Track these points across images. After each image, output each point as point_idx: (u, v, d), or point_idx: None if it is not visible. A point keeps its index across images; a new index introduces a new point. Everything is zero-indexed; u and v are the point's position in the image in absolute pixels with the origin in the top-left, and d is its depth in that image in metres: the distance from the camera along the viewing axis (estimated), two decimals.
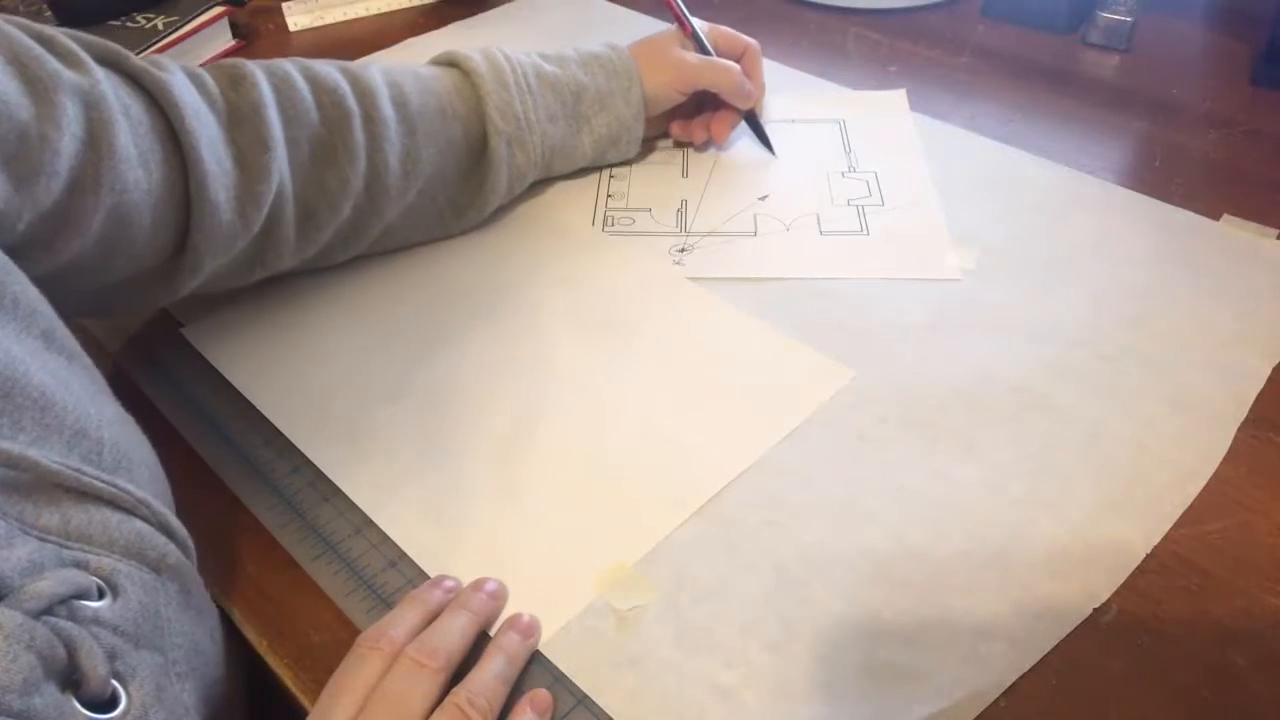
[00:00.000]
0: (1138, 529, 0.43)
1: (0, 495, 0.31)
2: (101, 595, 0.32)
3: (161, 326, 0.57)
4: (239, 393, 0.52)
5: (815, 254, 0.60)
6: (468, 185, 0.59)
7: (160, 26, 0.80)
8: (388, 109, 0.53)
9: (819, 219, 0.63)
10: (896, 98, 0.75)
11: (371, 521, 0.45)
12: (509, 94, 0.58)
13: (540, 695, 0.38)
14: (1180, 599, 0.41)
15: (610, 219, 0.63)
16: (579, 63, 0.62)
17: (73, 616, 0.30)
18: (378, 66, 0.56)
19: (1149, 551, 0.43)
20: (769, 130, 0.69)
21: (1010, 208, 0.63)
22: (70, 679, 0.29)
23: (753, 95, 0.67)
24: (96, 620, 0.31)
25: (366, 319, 0.56)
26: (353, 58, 0.81)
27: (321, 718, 0.35)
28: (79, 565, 0.32)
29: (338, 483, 0.47)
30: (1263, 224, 0.60)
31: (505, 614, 0.41)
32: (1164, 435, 0.47)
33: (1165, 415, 0.48)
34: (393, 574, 0.43)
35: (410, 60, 0.79)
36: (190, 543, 0.38)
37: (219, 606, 0.43)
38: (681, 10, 0.66)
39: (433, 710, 0.36)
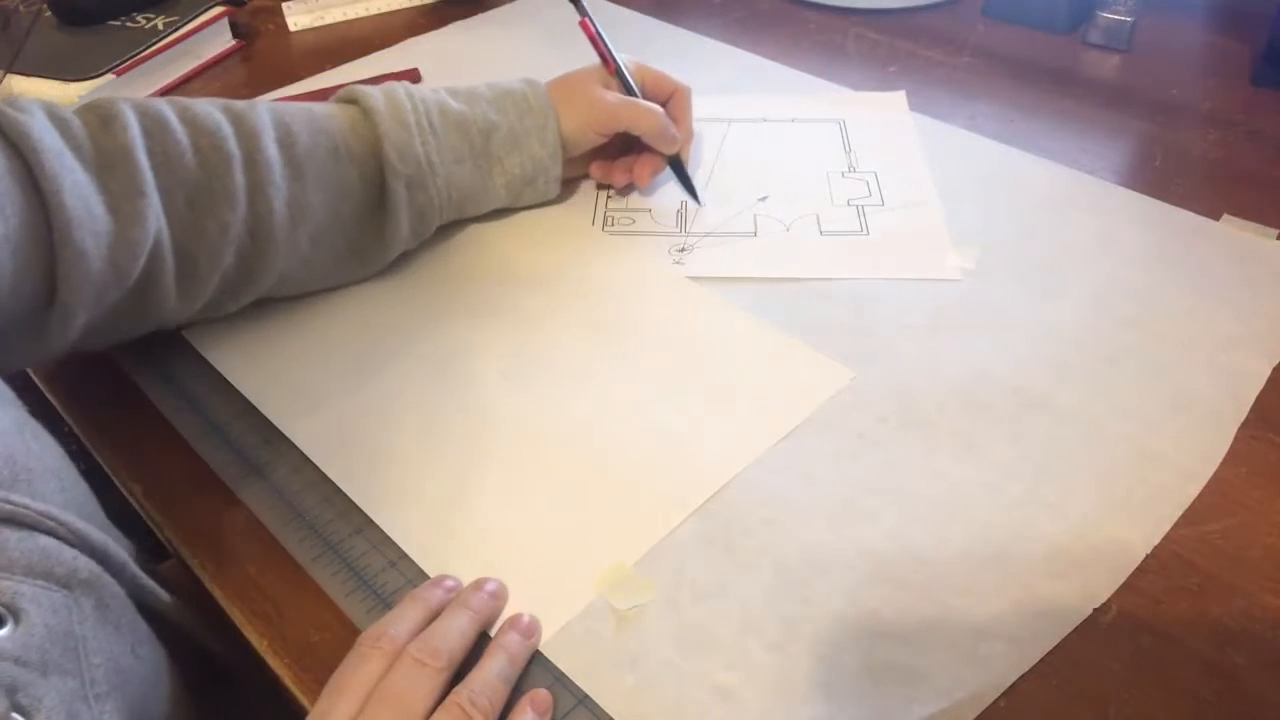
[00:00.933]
0: (1138, 529, 0.43)
1: None
2: (1, 623, 0.31)
3: None
4: (239, 393, 0.52)
5: (815, 254, 0.60)
6: (367, 230, 0.55)
7: (160, 26, 0.80)
8: (272, 151, 0.50)
9: (819, 219, 0.63)
10: (896, 98, 0.75)
11: (371, 521, 0.45)
12: (408, 134, 0.54)
13: (540, 695, 0.38)
14: (1180, 599, 0.41)
15: (610, 219, 0.63)
16: (490, 100, 0.58)
17: None
18: (267, 106, 0.52)
19: (1149, 551, 0.43)
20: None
21: (1010, 208, 0.63)
22: None
23: (677, 141, 0.63)
24: None
25: (367, 319, 0.56)
26: (353, 58, 0.82)
27: (322, 717, 0.35)
28: None
29: (338, 483, 0.47)
30: (1263, 224, 0.60)
31: (505, 614, 0.41)
32: (1164, 435, 0.47)
33: (1165, 415, 0.48)
34: (393, 574, 0.43)
35: (409, 61, 0.80)
36: (116, 551, 0.37)
37: (221, 607, 0.43)
38: (605, 46, 0.63)
39: (434, 709, 0.36)
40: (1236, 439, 0.47)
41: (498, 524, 0.45)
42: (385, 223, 0.55)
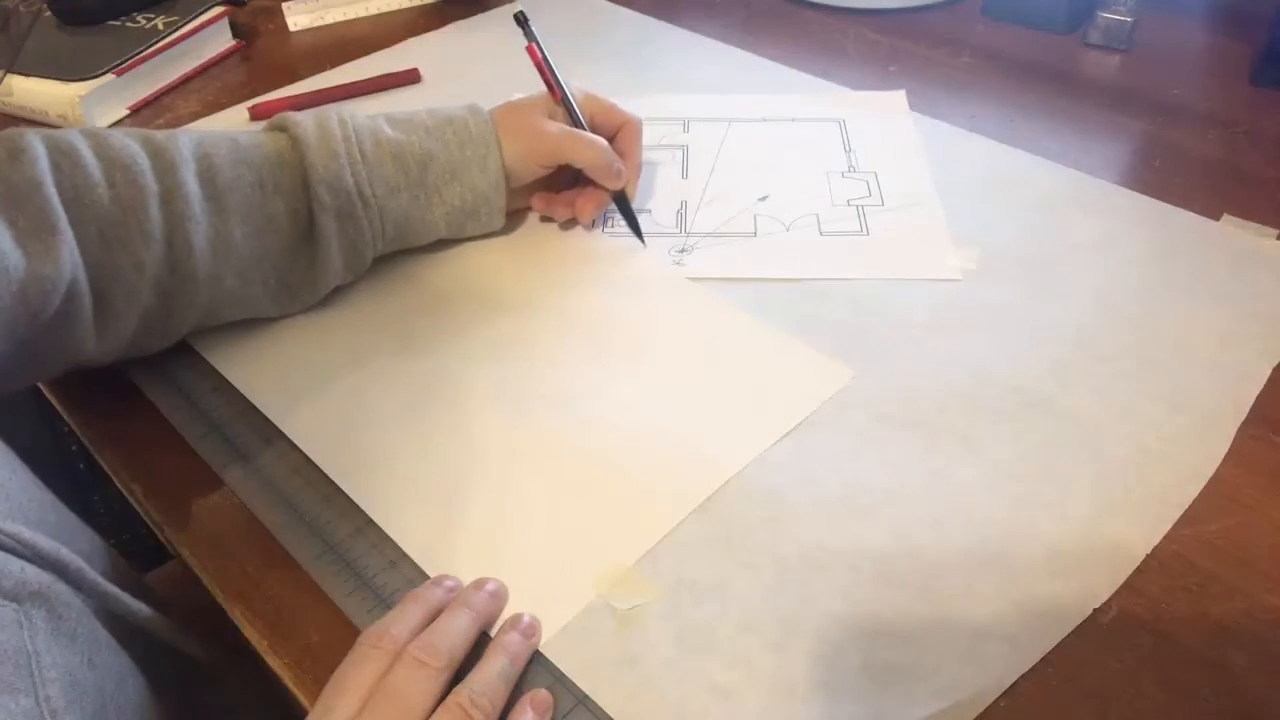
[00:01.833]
0: (1138, 529, 0.43)
1: None
2: None
3: None
4: (239, 393, 0.52)
5: (815, 254, 0.60)
6: (297, 263, 0.53)
7: (160, 26, 0.80)
8: (192, 185, 0.48)
9: (819, 219, 0.63)
10: (896, 98, 0.75)
11: (371, 521, 0.45)
12: (338, 165, 0.52)
13: (540, 695, 0.38)
14: (1180, 599, 0.41)
15: (610, 219, 0.63)
16: (429, 127, 0.56)
17: None
18: (190, 137, 0.50)
19: (1149, 551, 0.43)
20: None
21: (1010, 208, 0.63)
22: None
23: (622, 176, 0.59)
24: None
25: (367, 320, 0.56)
26: (353, 58, 0.82)
27: (323, 716, 0.35)
28: None
29: (338, 482, 0.47)
30: (1263, 224, 0.60)
31: (505, 614, 0.41)
32: (1164, 435, 0.47)
33: (1165, 415, 0.48)
34: (393, 574, 0.43)
35: (409, 61, 0.80)
36: (71, 559, 0.36)
37: (222, 607, 0.43)
38: (552, 72, 0.60)
39: (434, 709, 0.36)
40: (1236, 439, 0.47)
41: (498, 524, 0.45)
42: (315, 256, 0.53)
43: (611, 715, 0.38)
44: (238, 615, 0.42)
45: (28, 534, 0.35)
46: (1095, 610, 0.40)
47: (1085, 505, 0.44)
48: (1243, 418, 0.48)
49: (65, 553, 0.37)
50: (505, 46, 0.84)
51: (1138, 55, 0.80)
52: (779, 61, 0.80)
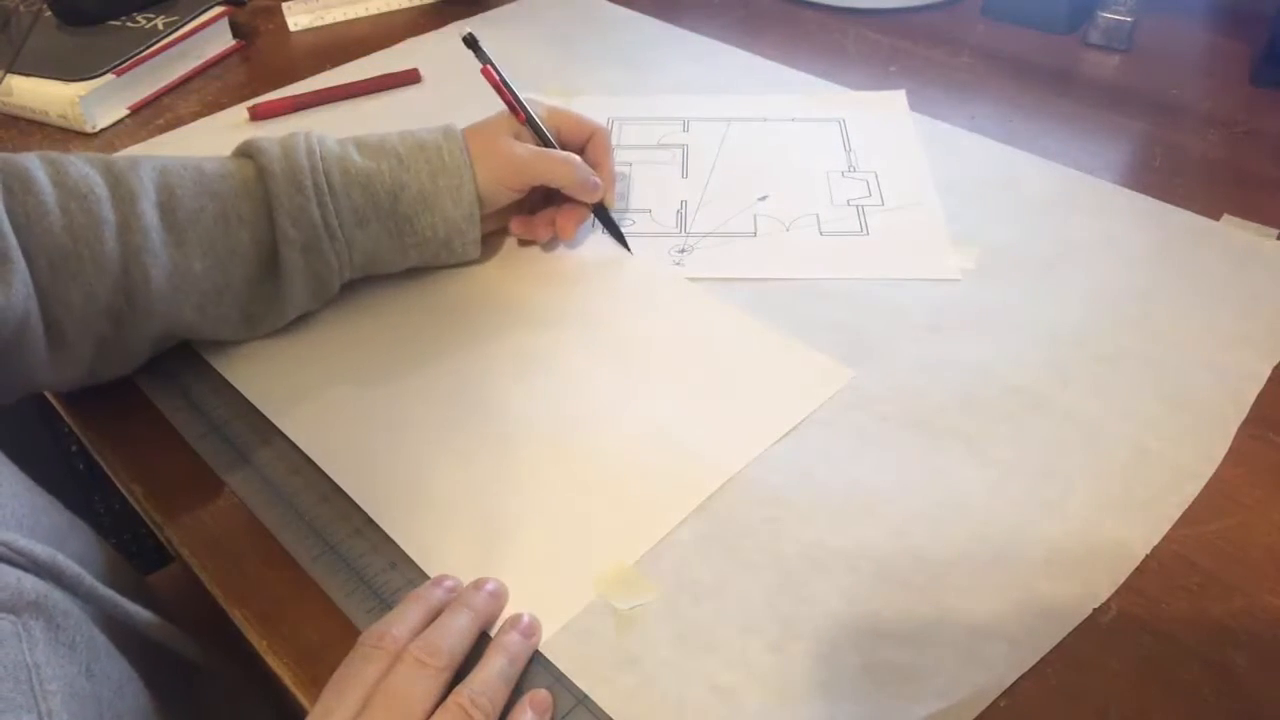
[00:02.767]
0: (1138, 529, 0.43)
1: None
2: None
3: None
4: (239, 393, 0.52)
5: (815, 254, 0.60)
6: (260, 293, 0.52)
7: (160, 26, 0.80)
8: (151, 216, 0.47)
9: (819, 219, 0.63)
10: (896, 98, 0.75)
11: (371, 522, 0.45)
12: (304, 197, 0.50)
13: (540, 695, 0.38)
14: (1180, 599, 0.41)
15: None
16: (401, 155, 0.53)
17: None
18: (155, 164, 0.49)
19: (1149, 551, 0.43)
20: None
21: (1010, 208, 0.63)
22: None
23: (599, 188, 0.58)
24: None
25: (367, 319, 0.56)
26: (353, 58, 0.82)
27: (324, 716, 0.35)
28: None
29: (338, 482, 0.47)
30: (1263, 224, 0.60)
31: (506, 614, 0.41)
32: (1164, 435, 0.47)
33: (1165, 415, 0.48)
34: (393, 575, 0.43)
35: (409, 61, 0.80)
36: (68, 565, 0.36)
37: (222, 607, 0.43)
38: (512, 94, 0.57)
39: (435, 709, 0.36)
40: (1236, 439, 0.47)
41: (498, 524, 0.45)
42: (279, 288, 0.51)
43: (611, 715, 0.38)
44: (238, 615, 0.42)
45: (22, 541, 0.34)
46: (1095, 610, 0.40)
47: (1085, 505, 0.44)
48: (1243, 418, 0.48)
49: (61, 559, 0.36)
50: (505, 47, 0.84)
51: (1138, 55, 0.80)
52: (779, 61, 0.80)
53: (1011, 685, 0.38)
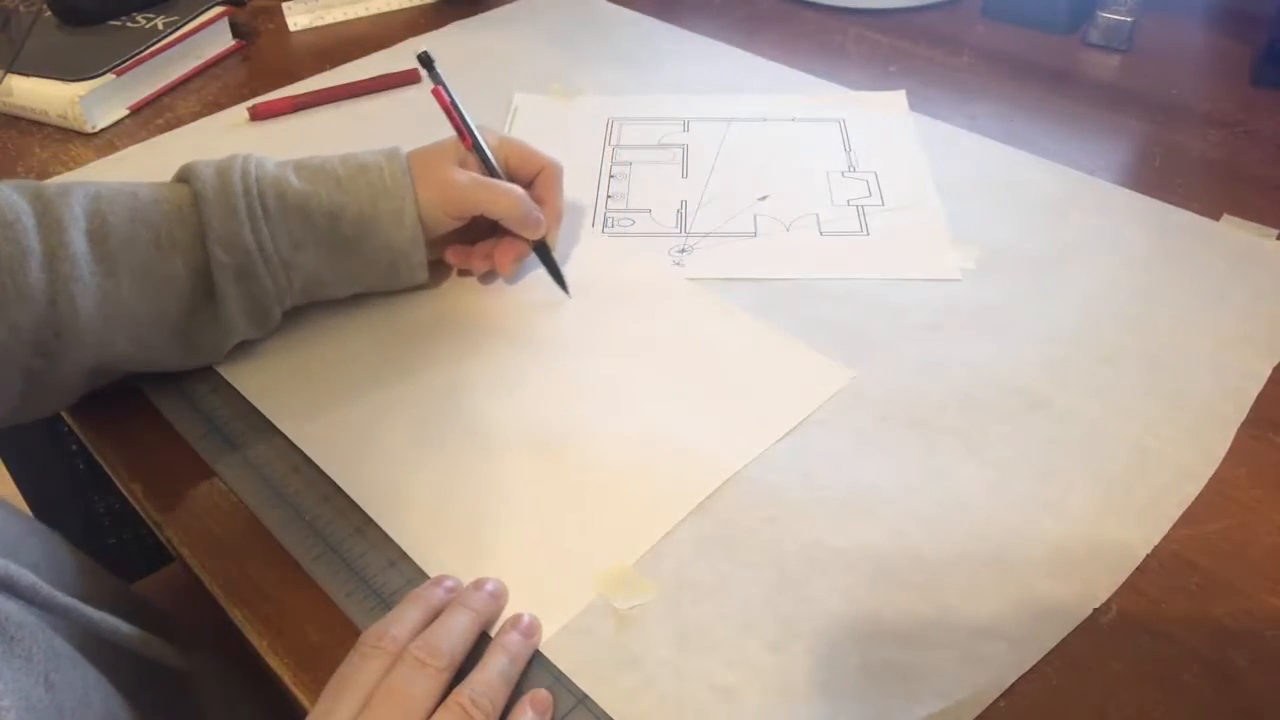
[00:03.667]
0: (1138, 529, 0.43)
1: None
2: None
3: None
4: (239, 393, 0.52)
5: (815, 254, 0.60)
6: (197, 322, 0.50)
7: (160, 26, 0.80)
8: (79, 245, 0.45)
9: (819, 219, 0.63)
10: (896, 98, 0.75)
11: (371, 521, 0.45)
12: (237, 222, 0.48)
13: (540, 695, 0.38)
14: (1180, 599, 0.41)
15: (610, 219, 0.63)
16: (341, 177, 0.52)
17: None
18: (88, 191, 0.48)
19: (1149, 551, 0.43)
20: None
21: (1010, 208, 0.63)
22: None
23: (541, 225, 0.55)
24: None
25: (366, 319, 0.56)
26: (353, 58, 0.82)
27: (324, 716, 0.36)
28: None
29: (338, 482, 0.47)
30: (1263, 224, 0.60)
31: (506, 614, 0.41)
32: (1164, 435, 0.47)
33: (1165, 415, 0.48)
34: (393, 574, 0.43)
35: (409, 61, 0.79)
36: (20, 574, 0.35)
37: (221, 607, 0.43)
38: (462, 117, 0.55)
39: (435, 709, 0.36)
40: (1236, 439, 0.47)
41: (498, 524, 0.45)
42: (217, 315, 0.50)
43: (611, 715, 0.38)
44: (238, 615, 0.42)
45: None
46: (1095, 610, 0.40)
47: (1085, 505, 0.44)
48: (1243, 418, 0.48)
49: (14, 568, 0.35)
50: (505, 47, 0.84)
51: (1138, 55, 0.80)
52: (779, 61, 0.80)
53: (1011, 685, 0.38)
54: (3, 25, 0.66)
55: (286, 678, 0.40)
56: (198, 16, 0.82)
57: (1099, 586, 0.41)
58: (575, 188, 0.66)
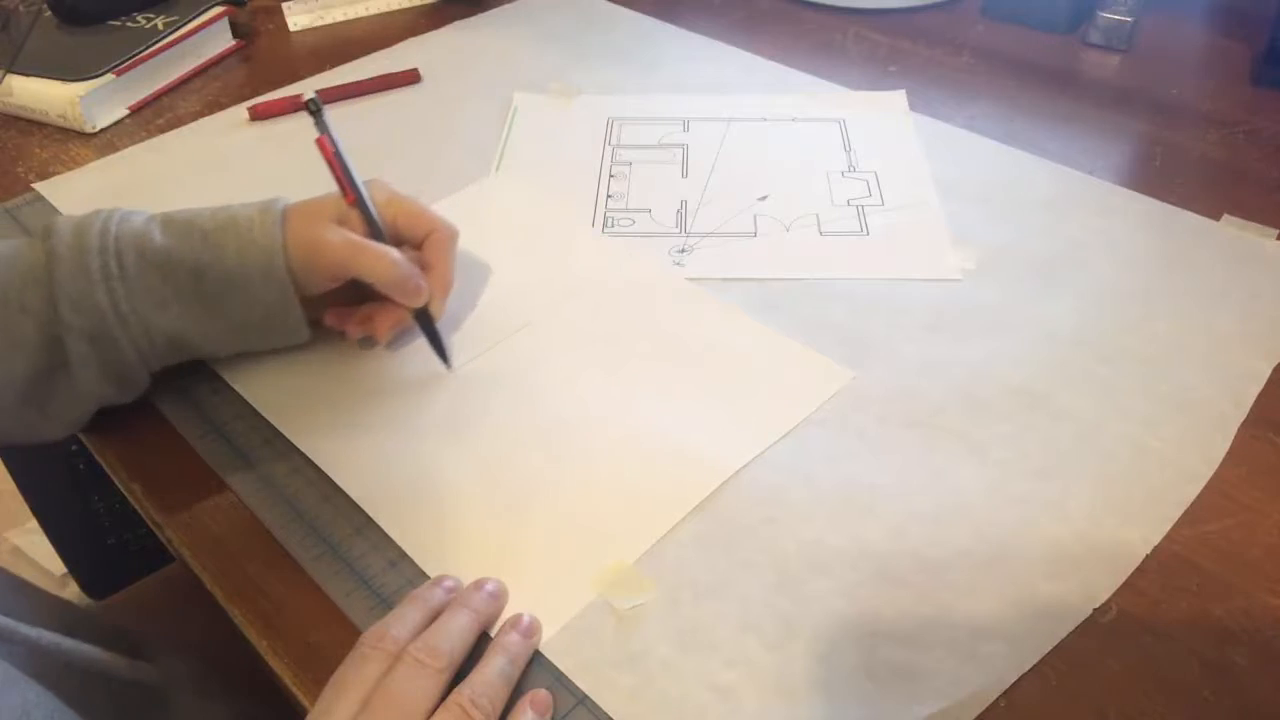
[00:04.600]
0: (1138, 529, 0.43)
1: None
2: None
3: None
4: (239, 393, 0.52)
5: (815, 254, 0.60)
6: (50, 387, 0.47)
7: (160, 26, 0.80)
8: None
9: (819, 219, 0.63)
10: (896, 98, 0.75)
11: (372, 521, 0.45)
12: (88, 281, 0.46)
13: (540, 695, 0.38)
14: (1180, 599, 0.41)
15: (610, 219, 0.63)
16: (207, 234, 0.48)
17: None
18: None
19: (1149, 551, 0.43)
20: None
21: (1010, 208, 0.63)
22: None
23: (422, 292, 0.51)
24: None
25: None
26: (353, 58, 0.82)
27: (324, 716, 0.36)
28: None
29: (338, 482, 0.47)
30: (1263, 224, 0.60)
31: (506, 614, 0.41)
32: (1164, 435, 0.47)
33: (1165, 415, 0.48)
34: (393, 574, 0.43)
35: (409, 61, 0.80)
36: None
37: (221, 607, 0.43)
38: (346, 172, 0.51)
39: (435, 709, 0.36)
40: (1236, 439, 0.47)
41: (498, 524, 0.45)
42: (70, 380, 0.47)
43: (611, 715, 0.38)
44: (238, 615, 0.42)
45: None
46: (1095, 610, 0.40)
47: (1085, 505, 0.44)
48: (1243, 418, 0.48)
49: None
50: (505, 46, 0.85)
51: (1138, 55, 0.80)
52: (779, 61, 0.80)
53: (1011, 685, 0.38)
54: (3, 25, 0.66)
55: (286, 678, 0.40)
56: (198, 16, 0.82)
57: (1099, 586, 0.41)
58: (575, 188, 0.66)
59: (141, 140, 0.73)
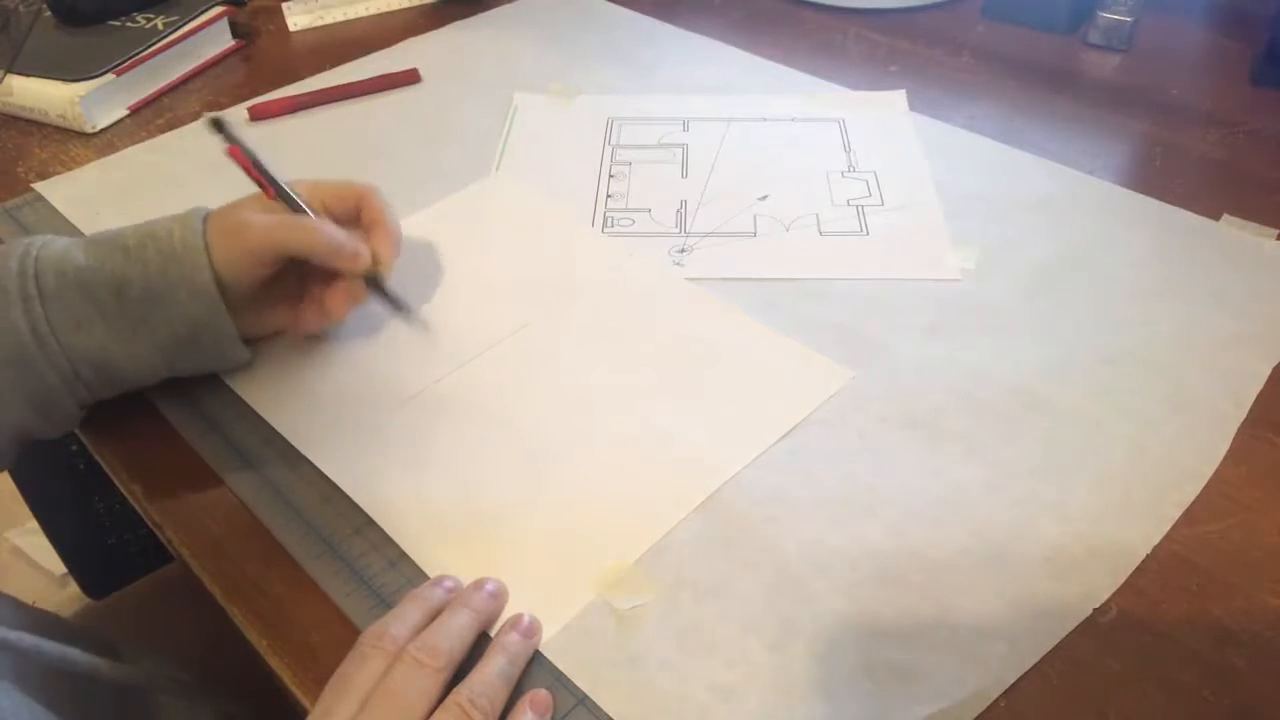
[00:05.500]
0: (1138, 529, 0.43)
1: None
2: None
3: None
4: (240, 396, 0.52)
5: (815, 254, 0.60)
6: None
7: (160, 26, 0.80)
8: None
9: (819, 219, 0.63)
10: (896, 98, 0.75)
11: (371, 521, 0.45)
12: (6, 303, 0.44)
13: (540, 695, 0.38)
14: (1180, 599, 0.41)
15: (610, 219, 0.63)
16: (129, 247, 0.47)
17: None
18: None
19: (1149, 551, 0.43)
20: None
21: (1010, 208, 0.63)
22: None
23: (361, 253, 0.50)
24: None
25: (364, 318, 0.56)
26: (352, 58, 0.82)
27: (324, 716, 0.36)
28: None
29: (337, 482, 0.47)
30: (1263, 224, 0.60)
31: (506, 614, 0.41)
32: (1164, 435, 0.47)
33: (1165, 415, 0.48)
34: (393, 574, 0.43)
35: (409, 61, 0.80)
36: None
37: (221, 606, 0.43)
38: (261, 170, 0.51)
39: (434, 709, 0.36)
40: (1236, 439, 0.47)
41: (497, 524, 0.45)
42: None
43: (611, 715, 0.38)
44: (238, 615, 0.42)
45: None
46: (1095, 610, 0.40)
47: (1085, 505, 0.44)
48: (1243, 418, 0.48)
49: None
50: (505, 46, 0.85)
51: (1138, 55, 0.80)
52: (779, 61, 0.80)
53: (1011, 685, 0.38)
54: (3, 25, 0.66)
55: (286, 677, 0.40)
56: (198, 16, 0.82)
57: (1099, 586, 0.41)
58: (575, 187, 0.66)
59: (141, 140, 0.73)
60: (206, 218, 0.49)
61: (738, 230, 0.62)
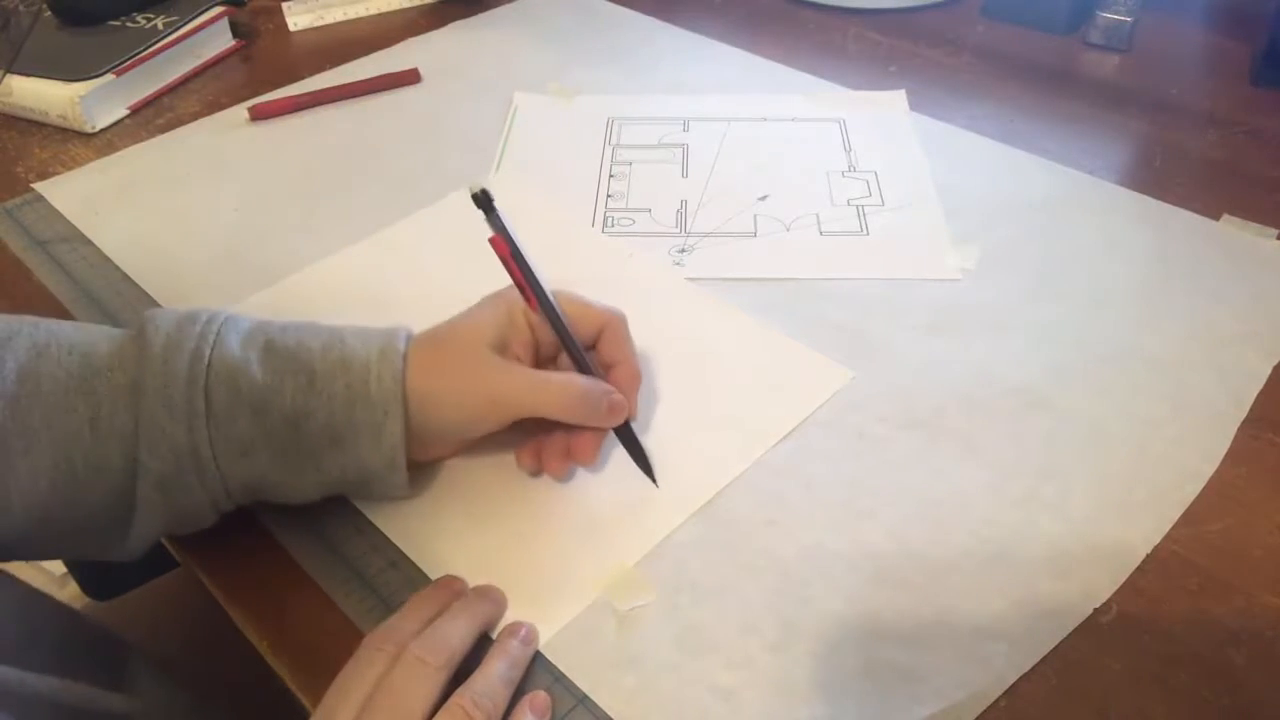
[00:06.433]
0: (1138, 529, 0.43)
1: None
2: None
3: None
4: None
5: (815, 254, 0.60)
6: (110, 517, 0.40)
7: (160, 26, 0.80)
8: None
9: (819, 219, 0.63)
10: (896, 98, 0.75)
11: (371, 522, 0.45)
12: (170, 416, 0.39)
13: (539, 697, 0.38)
14: (1180, 599, 0.41)
15: (610, 219, 0.63)
16: (314, 374, 0.41)
17: None
18: (31, 341, 0.40)
19: (1149, 551, 0.43)
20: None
21: (1010, 208, 0.63)
22: None
23: (620, 409, 0.44)
24: None
25: (364, 317, 0.56)
26: (353, 58, 0.82)
27: (326, 717, 0.36)
28: None
29: None
30: (1263, 224, 0.60)
31: (508, 616, 0.41)
32: (1164, 435, 0.47)
33: (1165, 415, 0.48)
34: (393, 574, 0.43)
35: (409, 61, 0.80)
36: None
37: (221, 606, 0.43)
38: (528, 273, 0.42)
39: (435, 708, 0.36)
40: (1236, 439, 0.47)
41: (498, 525, 0.45)
42: (130, 519, 0.41)
43: (611, 715, 0.38)
44: (238, 615, 0.42)
45: None
46: (1095, 610, 0.40)
47: (1085, 505, 0.44)
48: (1243, 418, 0.48)
49: None
50: (505, 46, 0.85)
51: (1138, 55, 0.80)
52: (779, 61, 0.80)
53: (1011, 685, 0.38)
54: (3, 25, 0.66)
55: (286, 678, 0.40)
56: (198, 16, 0.82)
57: (1099, 586, 0.41)
58: (576, 188, 0.66)
59: (141, 140, 0.73)
60: (409, 351, 0.42)
61: (738, 230, 0.62)
